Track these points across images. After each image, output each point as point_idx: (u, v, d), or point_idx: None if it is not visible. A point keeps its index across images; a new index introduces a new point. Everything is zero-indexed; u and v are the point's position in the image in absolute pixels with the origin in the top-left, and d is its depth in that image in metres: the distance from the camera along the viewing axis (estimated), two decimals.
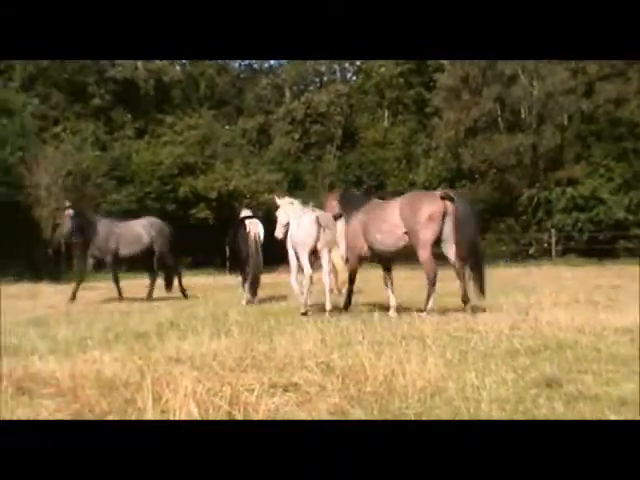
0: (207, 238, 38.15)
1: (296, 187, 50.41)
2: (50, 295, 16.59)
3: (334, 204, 13.58)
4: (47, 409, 4.89)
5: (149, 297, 17.24)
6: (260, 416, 4.61)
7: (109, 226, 17.74)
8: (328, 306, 12.40)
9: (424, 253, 11.70)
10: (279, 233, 13.88)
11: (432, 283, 11.76)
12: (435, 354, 6.56)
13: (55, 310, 13.89)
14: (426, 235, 11.58)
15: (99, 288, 18.66)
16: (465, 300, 11.62)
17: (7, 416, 4.75)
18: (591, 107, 44.23)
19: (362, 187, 50.54)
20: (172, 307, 13.55)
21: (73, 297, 15.99)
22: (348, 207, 13.19)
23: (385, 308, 11.96)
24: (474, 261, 12.02)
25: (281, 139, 56.67)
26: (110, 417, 4.59)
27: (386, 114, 60.12)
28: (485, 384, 5.46)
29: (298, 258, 13.10)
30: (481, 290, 11.88)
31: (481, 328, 8.79)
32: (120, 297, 16.71)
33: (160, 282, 17.87)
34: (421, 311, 11.23)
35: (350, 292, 12.81)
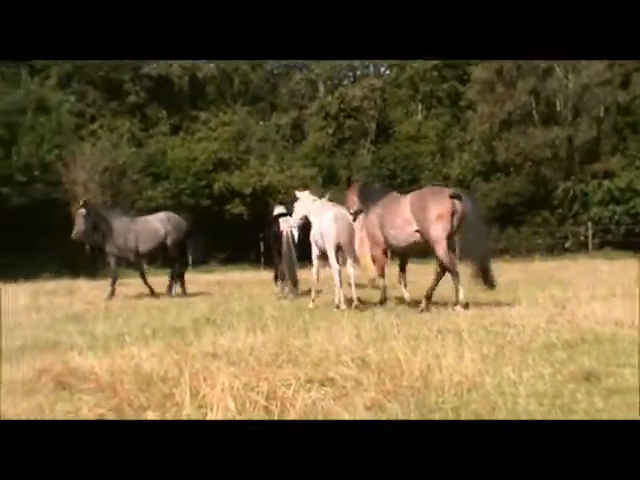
0: (242, 234, 38.24)
1: (330, 182, 50.35)
2: (87, 291, 16.74)
3: (354, 198, 13.81)
4: (87, 404, 4.94)
5: (168, 292, 17.31)
6: (297, 411, 4.63)
7: (127, 223, 17.66)
8: (355, 299, 12.70)
9: (440, 249, 11.75)
10: (295, 223, 14.71)
11: (455, 275, 11.83)
12: (472, 349, 6.55)
13: (93, 306, 14.01)
14: (437, 232, 11.69)
15: (134, 284, 18.76)
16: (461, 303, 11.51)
17: (48, 411, 4.82)
18: (627, 99, 43.77)
19: (396, 181, 50.42)
20: (208, 303, 13.63)
21: (112, 294, 16.05)
22: (367, 200, 13.39)
23: (417, 303, 11.92)
24: (481, 258, 12.06)
25: (315, 134, 56.59)
26: (149, 412, 4.64)
27: (420, 108, 59.92)
28: (522, 378, 5.44)
29: (324, 254, 13.41)
30: (491, 283, 11.90)
31: (517, 322, 8.75)
32: (152, 293, 16.82)
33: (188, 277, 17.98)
34: (455, 305, 11.38)
35: (383, 286, 12.87)
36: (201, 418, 4.49)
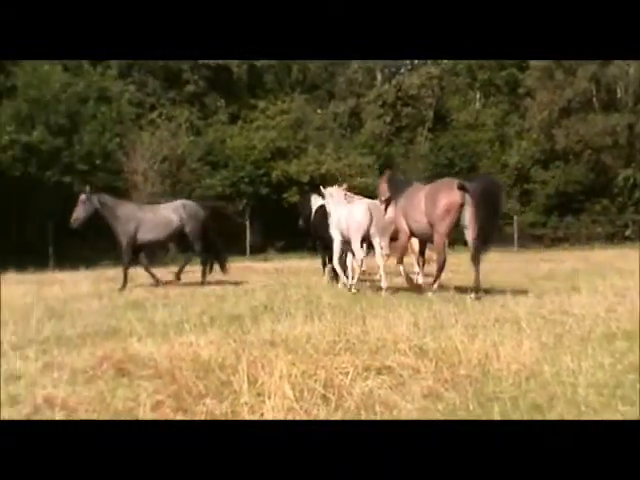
0: None
1: None
2: (147, 278, 16.89)
3: (385, 187, 14.65)
4: (146, 391, 5.00)
5: (203, 281, 17.05)
6: (354, 399, 4.64)
7: (131, 210, 17.25)
8: (384, 285, 13.33)
9: (439, 241, 12.53)
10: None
11: (441, 269, 12.74)
12: (530, 337, 6.49)
13: (152, 294, 14.15)
14: (441, 226, 12.33)
15: (193, 271, 18.88)
16: (477, 289, 11.76)
17: (108, 398, 4.89)
18: None
19: (454, 170, 50.16)
20: (266, 290, 13.69)
21: (124, 283, 15.85)
22: (395, 191, 14.12)
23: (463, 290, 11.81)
24: (483, 238, 12.31)
25: (372, 122, 56.45)
26: (207, 400, 4.67)
27: (478, 96, 59.49)
28: (581, 368, 5.37)
29: (347, 243, 14.29)
30: (474, 258, 12.25)
31: (577, 311, 8.65)
32: (158, 283, 16.62)
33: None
34: (476, 292, 11.59)
35: (405, 272, 13.58)
36: (259, 406, 4.52)
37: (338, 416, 4.39)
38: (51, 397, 4.88)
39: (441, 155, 52.88)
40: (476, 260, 12.19)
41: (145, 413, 4.46)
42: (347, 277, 14.95)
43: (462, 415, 4.43)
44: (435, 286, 12.60)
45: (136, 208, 17.59)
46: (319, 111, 55.63)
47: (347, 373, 5.05)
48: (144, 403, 4.61)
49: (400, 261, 13.72)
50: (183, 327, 7.78)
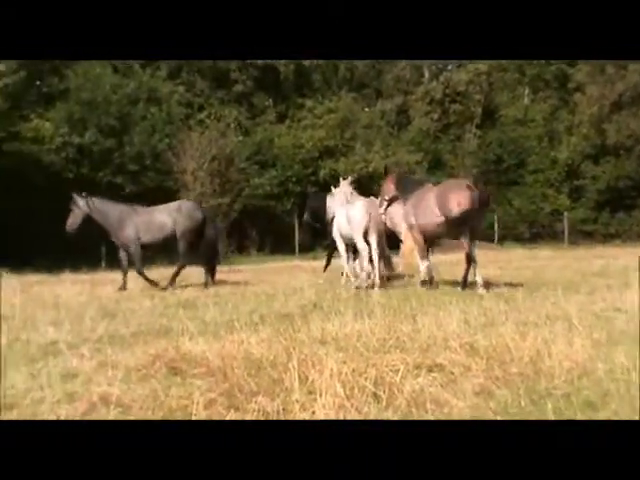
0: None
1: (436, 167, 50.17)
2: (198, 278, 17.03)
3: (391, 186, 15.31)
4: (199, 389, 5.05)
5: (167, 285, 16.16)
6: (405, 396, 4.65)
7: (126, 214, 16.73)
8: (377, 282, 14.10)
9: (460, 229, 13.07)
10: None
11: (468, 260, 13.18)
12: (582, 334, 6.44)
13: (203, 292, 14.28)
14: (458, 221, 12.90)
15: (243, 271, 19.02)
16: (464, 286, 12.99)
17: (162, 396, 4.95)
18: None
19: (502, 166, 49.86)
20: (315, 289, 13.73)
21: (124, 286, 15.67)
22: (405, 191, 14.79)
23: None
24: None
25: (420, 119, 56.30)
26: (259, 397, 4.72)
27: (526, 91, 59.02)
28: (636, 366, 5.33)
29: (350, 240, 14.92)
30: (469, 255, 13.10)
31: (629, 308, 8.56)
32: (156, 285, 16.06)
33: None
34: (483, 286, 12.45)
35: (428, 267, 14.07)
36: (310, 403, 4.55)
37: (389, 413, 4.41)
38: (106, 395, 4.95)
39: (489, 151, 52.61)
40: (470, 257, 13.08)
41: (198, 411, 4.51)
42: (358, 276, 15.38)
43: (514, 412, 4.43)
44: (479, 279, 12.83)
45: (131, 211, 16.95)
46: (367, 109, 55.52)
47: (398, 371, 5.06)
48: (197, 401, 4.65)
49: (424, 257, 14.17)
50: (234, 325, 7.82)
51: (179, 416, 4.56)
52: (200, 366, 5.78)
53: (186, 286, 15.96)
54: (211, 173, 38.64)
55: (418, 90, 59.06)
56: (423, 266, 14.02)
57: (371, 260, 14.68)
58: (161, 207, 17.15)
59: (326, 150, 46.21)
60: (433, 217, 13.41)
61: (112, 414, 4.49)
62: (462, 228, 12.99)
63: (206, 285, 16.20)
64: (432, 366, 5.47)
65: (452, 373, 5.31)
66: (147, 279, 16.22)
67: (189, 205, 17.27)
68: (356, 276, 15.58)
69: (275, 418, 4.40)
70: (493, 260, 23.26)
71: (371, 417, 4.33)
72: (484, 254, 24.81)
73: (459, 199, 12.85)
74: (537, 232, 47.70)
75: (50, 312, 10.51)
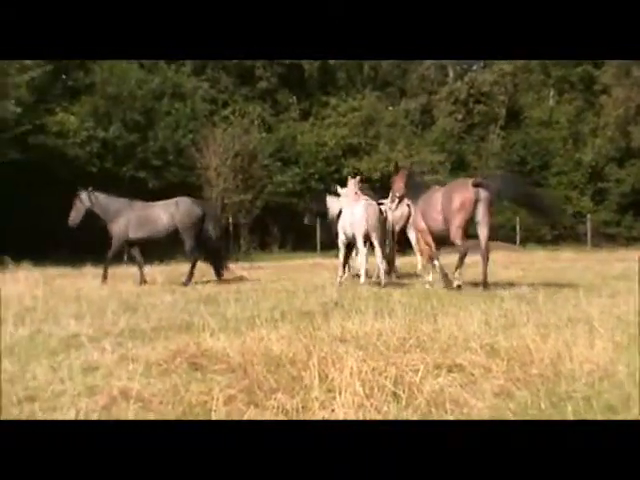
0: None
1: (459, 168, 50.04)
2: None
3: (401, 184, 15.66)
4: (219, 385, 5.06)
5: (186, 282, 16.07)
6: (425, 396, 4.65)
7: (122, 206, 16.99)
8: (382, 282, 14.41)
9: (455, 232, 13.15)
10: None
11: (462, 258, 13.32)
12: (603, 337, 6.40)
13: (224, 288, 14.31)
14: (456, 220, 13.10)
15: (265, 267, 19.05)
16: (485, 284, 12.74)
17: (182, 392, 4.97)
18: None
19: (526, 167, 49.70)
20: (336, 287, 13.74)
21: (142, 280, 15.96)
22: (413, 193, 15.23)
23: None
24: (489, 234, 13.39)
25: (444, 119, 56.21)
26: (278, 394, 4.72)
27: (551, 93, 58.76)
28: None
29: (352, 241, 15.22)
30: (484, 253, 13.15)
31: None
32: (145, 282, 16.14)
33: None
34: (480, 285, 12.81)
35: (440, 267, 14.09)
36: (330, 402, 4.56)
37: (408, 413, 4.41)
38: (127, 389, 4.97)
39: (513, 153, 52.48)
40: (485, 256, 13.09)
41: (218, 407, 4.52)
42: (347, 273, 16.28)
43: (534, 414, 4.41)
44: (457, 274, 13.28)
45: (127, 204, 17.14)
46: (390, 108, 55.50)
47: (417, 370, 5.05)
48: (217, 397, 4.65)
49: (430, 260, 14.70)
50: (255, 322, 7.83)
51: (198, 412, 4.57)
52: (220, 362, 5.78)
53: (207, 282, 16.00)
54: (234, 169, 38.71)
55: (442, 90, 58.99)
56: (436, 264, 14.29)
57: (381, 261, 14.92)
58: (160, 203, 17.19)
59: (349, 148, 46.26)
60: (439, 218, 13.69)
61: (132, 408, 4.50)
62: (467, 224, 13.20)
63: (187, 280, 16.07)
64: (452, 366, 5.46)
65: (472, 374, 5.29)
66: (105, 271, 16.32)
67: (186, 201, 17.17)
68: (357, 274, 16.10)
69: (294, 415, 4.41)
70: (515, 262, 23.17)
71: (390, 417, 4.33)
72: (506, 255, 24.72)
73: (462, 195, 13.12)
74: (559, 234, 47.60)
75: (72, 305, 10.59)
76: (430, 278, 14.45)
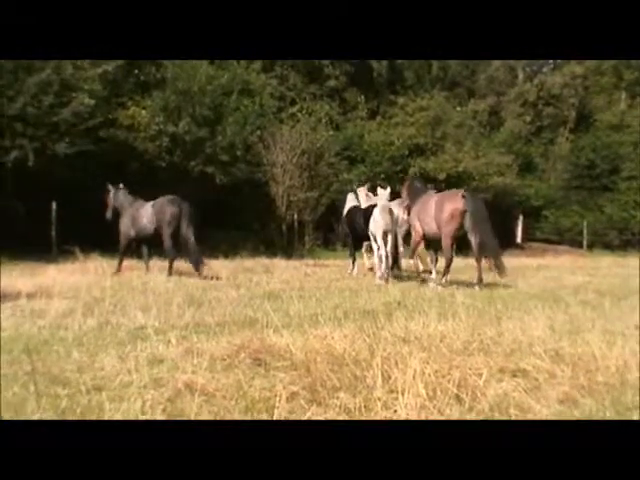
0: None
1: (526, 170, 49.55)
2: (284, 270, 17.17)
3: (406, 194, 17.25)
4: (282, 382, 5.10)
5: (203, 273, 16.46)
6: (488, 400, 4.63)
7: (129, 203, 17.98)
8: (385, 277, 15.92)
9: (446, 242, 14.76)
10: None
11: (448, 265, 14.89)
12: None
13: (288, 285, 14.38)
14: (447, 229, 14.62)
15: (330, 265, 19.08)
16: (479, 281, 14.29)
17: (245, 387, 5.02)
18: None
19: (595, 171, 48.97)
20: (399, 287, 13.73)
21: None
22: (413, 197, 16.60)
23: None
24: (490, 249, 14.70)
25: (512, 121, 55.71)
26: (341, 393, 4.75)
27: (623, 96, 57.76)
28: None
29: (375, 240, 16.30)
30: (500, 270, 14.49)
31: None
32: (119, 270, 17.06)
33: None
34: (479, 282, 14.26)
35: (415, 265, 16.99)
36: (392, 402, 4.57)
37: (472, 416, 4.40)
38: (191, 382, 5.05)
39: (582, 156, 51.68)
40: (479, 260, 14.52)
41: (280, 404, 4.56)
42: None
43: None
44: (444, 280, 14.75)
45: (133, 201, 18.09)
46: (458, 108, 55.06)
47: (481, 374, 5.03)
48: (280, 394, 4.69)
49: (411, 256, 17.09)
50: (318, 320, 7.87)
51: (261, 407, 4.62)
52: (284, 359, 5.84)
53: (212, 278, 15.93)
54: (300, 167, 38.76)
55: (511, 91, 58.47)
56: (412, 262, 16.99)
57: (386, 257, 16.07)
58: (148, 202, 17.74)
59: (416, 148, 45.99)
60: (432, 224, 15.04)
61: (196, 402, 4.57)
62: (455, 234, 14.68)
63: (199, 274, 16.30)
64: (516, 371, 5.43)
65: (536, 379, 5.26)
66: (120, 264, 17.40)
67: (162, 200, 17.43)
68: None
69: (357, 415, 4.43)
70: (582, 266, 22.88)
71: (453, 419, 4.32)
72: (573, 260, 24.43)
73: (452, 206, 14.49)
74: (628, 240, 46.88)
75: (139, 297, 10.77)
76: (433, 275, 15.63)
